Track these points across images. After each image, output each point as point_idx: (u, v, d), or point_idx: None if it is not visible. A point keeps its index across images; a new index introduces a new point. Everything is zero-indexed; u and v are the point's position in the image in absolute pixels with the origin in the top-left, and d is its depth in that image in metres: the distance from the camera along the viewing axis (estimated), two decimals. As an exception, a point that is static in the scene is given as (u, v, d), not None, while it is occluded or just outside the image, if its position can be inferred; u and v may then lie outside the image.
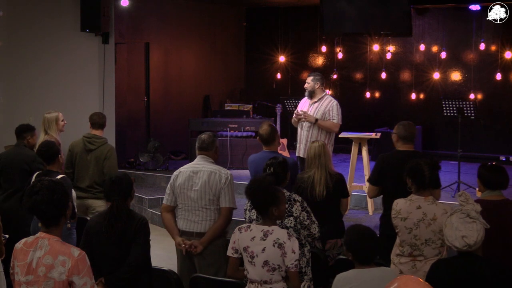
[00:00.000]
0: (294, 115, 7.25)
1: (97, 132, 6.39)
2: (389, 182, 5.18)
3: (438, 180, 5.17)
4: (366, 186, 7.84)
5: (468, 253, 3.32)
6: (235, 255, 3.97)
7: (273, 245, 3.75)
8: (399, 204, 4.46)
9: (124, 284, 4.10)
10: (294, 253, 3.75)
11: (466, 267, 3.31)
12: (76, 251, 3.21)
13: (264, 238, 3.79)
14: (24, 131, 6.31)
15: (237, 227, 3.98)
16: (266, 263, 3.76)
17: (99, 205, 6.21)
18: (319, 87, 7.20)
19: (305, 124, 7.15)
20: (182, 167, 4.99)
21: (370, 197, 5.71)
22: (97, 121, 6.44)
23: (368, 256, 3.59)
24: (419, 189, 4.42)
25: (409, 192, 4.51)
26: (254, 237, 3.82)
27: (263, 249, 3.77)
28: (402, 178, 4.54)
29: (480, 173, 4.61)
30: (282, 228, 4.49)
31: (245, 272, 3.90)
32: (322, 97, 7.20)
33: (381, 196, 5.45)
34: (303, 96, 7.42)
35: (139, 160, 10.26)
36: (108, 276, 4.08)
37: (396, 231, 4.48)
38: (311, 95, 7.23)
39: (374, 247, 3.61)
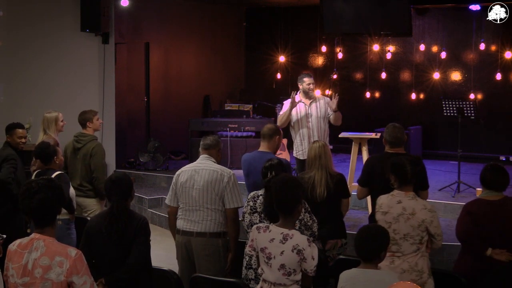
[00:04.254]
0: (291, 112, 7.12)
1: (85, 131, 6.45)
2: (376, 183, 5.24)
3: (426, 181, 5.21)
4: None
5: None
6: (253, 253, 3.96)
7: (292, 251, 3.71)
8: (381, 199, 4.57)
9: (124, 284, 4.10)
10: (314, 259, 3.74)
11: None
12: (73, 251, 3.21)
13: (284, 241, 3.74)
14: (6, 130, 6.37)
15: (255, 226, 3.93)
16: (282, 266, 3.74)
17: (90, 203, 6.33)
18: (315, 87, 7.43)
19: (314, 119, 7.14)
20: (184, 166, 5.02)
21: (359, 198, 5.82)
22: (80, 121, 6.52)
23: (370, 255, 3.65)
24: (401, 185, 4.50)
25: None
26: (273, 239, 3.77)
27: (282, 253, 3.73)
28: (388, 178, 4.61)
29: (481, 173, 4.63)
30: None
31: (260, 271, 3.89)
32: (316, 97, 7.32)
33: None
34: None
35: (139, 160, 10.25)
36: (108, 277, 4.07)
37: None
38: (309, 96, 7.26)
39: (377, 247, 3.65)
